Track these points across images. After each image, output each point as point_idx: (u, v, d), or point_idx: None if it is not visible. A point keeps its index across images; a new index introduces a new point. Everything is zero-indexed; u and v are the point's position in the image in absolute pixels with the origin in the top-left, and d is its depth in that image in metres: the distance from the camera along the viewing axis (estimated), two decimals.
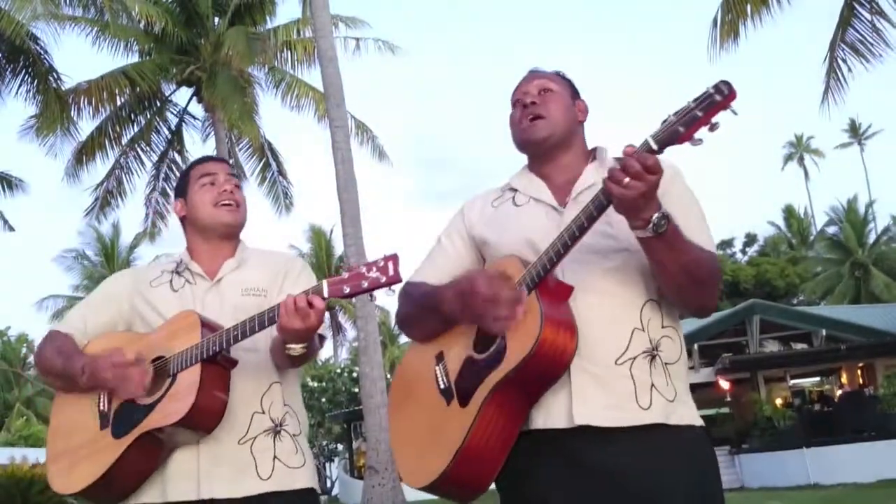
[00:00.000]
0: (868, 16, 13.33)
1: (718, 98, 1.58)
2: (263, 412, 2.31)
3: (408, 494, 13.60)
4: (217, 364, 2.20)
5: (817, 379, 25.77)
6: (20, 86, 15.86)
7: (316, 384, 32.71)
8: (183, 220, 2.54)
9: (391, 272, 1.96)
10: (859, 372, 23.25)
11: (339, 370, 35.21)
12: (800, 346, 24.72)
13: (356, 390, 29.49)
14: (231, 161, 2.97)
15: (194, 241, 2.51)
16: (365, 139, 20.07)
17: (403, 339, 51.71)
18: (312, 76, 20.05)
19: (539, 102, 2.13)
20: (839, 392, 23.28)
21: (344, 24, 19.57)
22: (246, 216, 2.53)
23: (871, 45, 13.47)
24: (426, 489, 1.98)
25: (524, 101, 2.15)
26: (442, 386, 2.03)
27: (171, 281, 2.45)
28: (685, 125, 1.61)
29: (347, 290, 2.00)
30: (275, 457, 2.29)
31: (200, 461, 2.23)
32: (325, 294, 2.02)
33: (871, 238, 41.22)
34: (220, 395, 2.20)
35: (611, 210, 1.79)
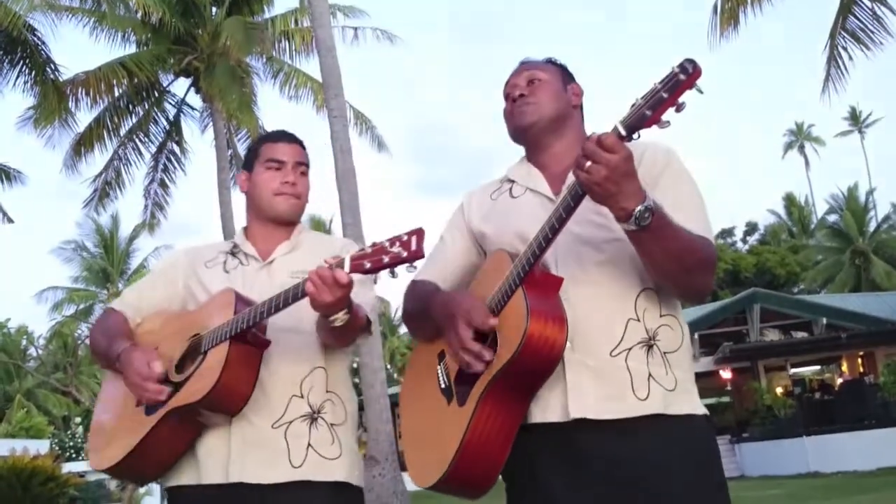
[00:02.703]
0: (868, 3, 13.28)
1: (683, 77, 1.54)
2: (302, 396, 2.24)
3: (408, 484, 13.62)
4: (246, 343, 2.14)
5: (818, 367, 25.83)
6: (17, 77, 15.76)
7: None
8: (246, 194, 2.49)
9: (413, 247, 1.85)
10: (859, 360, 23.30)
11: None
12: (800, 335, 24.76)
13: (356, 381, 29.59)
14: (301, 141, 2.84)
15: (252, 221, 2.48)
16: (364, 129, 20.00)
17: (403, 329, 51.85)
18: (310, 66, 19.94)
19: (527, 93, 2.11)
20: (839, 380, 23.33)
21: (342, 14, 19.48)
22: (305, 204, 2.48)
23: (872, 32, 13.43)
24: (432, 489, 1.96)
25: (513, 94, 2.14)
26: (442, 385, 2.02)
27: (224, 262, 2.43)
28: (651, 108, 1.57)
29: (368, 265, 1.89)
30: (309, 444, 2.21)
31: (232, 443, 2.19)
32: (347, 268, 1.92)
33: (872, 226, 41.20)
34: (246, 376, 2.15)
35: None
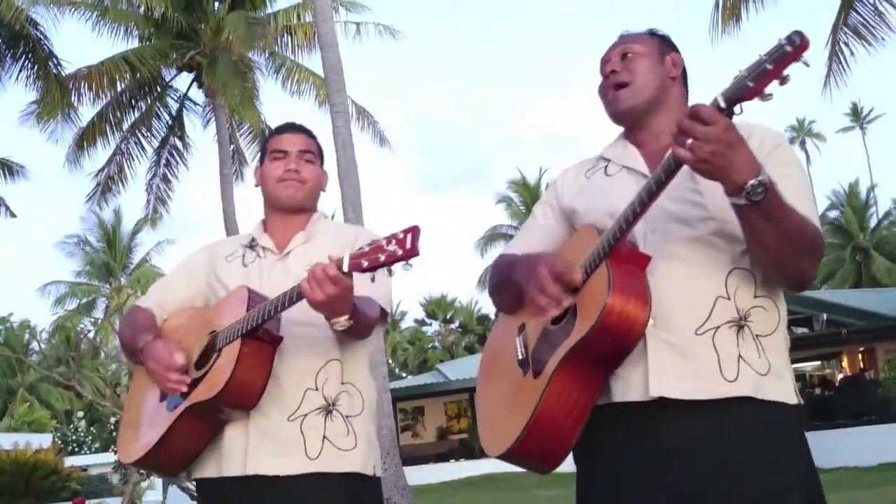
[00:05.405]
0: None
1: (789, 49, 1.49)
2: (317, 389, 2.27)
3: (409, 479, 13.65)
4: (258, 339, 2.17)
5: (818, 363, 25.80)
6: (20, 71, 15.87)
7: None
8: (261, 189, 2.53)
9: (409, 245, 1.85)
10: (860, 356, 23.27)
11: None
12: (800, 331, 24.71)
13: None
14: (308, 130, 2.59)
15: (268, 213, 2.52)
16: (366, 125, 20.01)
17: (405, 324, 51.78)
18: (313, 61, 19.95)
19: (620, 69, 2.04)
20: (840, 376, 23.31)
21: (344, 9, 19.52)
22: (313, 192, 2.49)
23: (874, 28, 13.45)
24: (501, 458, 1.94)
25: (605, 70, 2.07)
26: (520, 357, 1.99)
27: (243, 256, 2.45)
28: (755, 79, 1.52)
29: (366, 263, 1.89)
30: (324, 437, 2.25)
31: (249, 436, 2.23)
32: (346, 267, 1.93)
33: (873, 222, 41.22)
34: (259, 371, 2.18)
35: (700, 178, 1.72)
